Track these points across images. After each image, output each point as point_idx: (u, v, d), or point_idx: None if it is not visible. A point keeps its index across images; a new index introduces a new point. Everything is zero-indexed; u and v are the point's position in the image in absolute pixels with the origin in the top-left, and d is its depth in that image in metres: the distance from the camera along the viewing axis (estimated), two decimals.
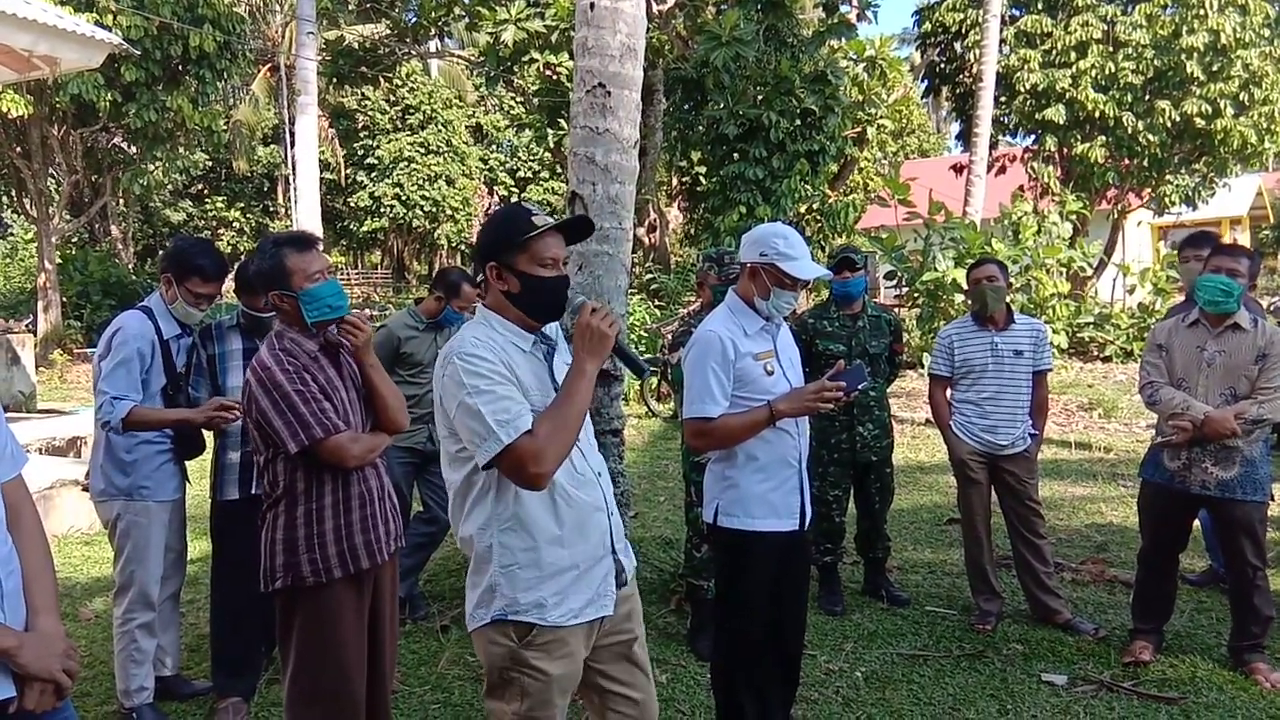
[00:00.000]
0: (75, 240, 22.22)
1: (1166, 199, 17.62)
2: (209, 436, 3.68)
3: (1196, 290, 3.79)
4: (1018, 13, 17.72)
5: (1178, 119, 15.90)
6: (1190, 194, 17.58)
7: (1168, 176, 17.27)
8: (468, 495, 2.21)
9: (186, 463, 3.70)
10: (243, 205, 31.78)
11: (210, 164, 28.89)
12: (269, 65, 26.91)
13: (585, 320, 2.16)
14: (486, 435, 2.06)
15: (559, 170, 28.15)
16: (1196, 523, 4.23)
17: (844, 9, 14.69)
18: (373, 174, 31.00)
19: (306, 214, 14.18)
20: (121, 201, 22.58)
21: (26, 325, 14.49)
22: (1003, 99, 17.16)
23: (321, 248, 2.77)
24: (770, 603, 2.99)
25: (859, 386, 2.95)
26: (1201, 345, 3.76)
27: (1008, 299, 4.47)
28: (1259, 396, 3.62)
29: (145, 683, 3.49)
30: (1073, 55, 16.37)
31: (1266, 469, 3.74)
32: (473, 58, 19.60)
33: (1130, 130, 16.09)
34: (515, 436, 2.05)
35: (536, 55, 15.13)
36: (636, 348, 11.94)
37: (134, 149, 17.30)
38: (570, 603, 2.19)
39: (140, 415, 3.35)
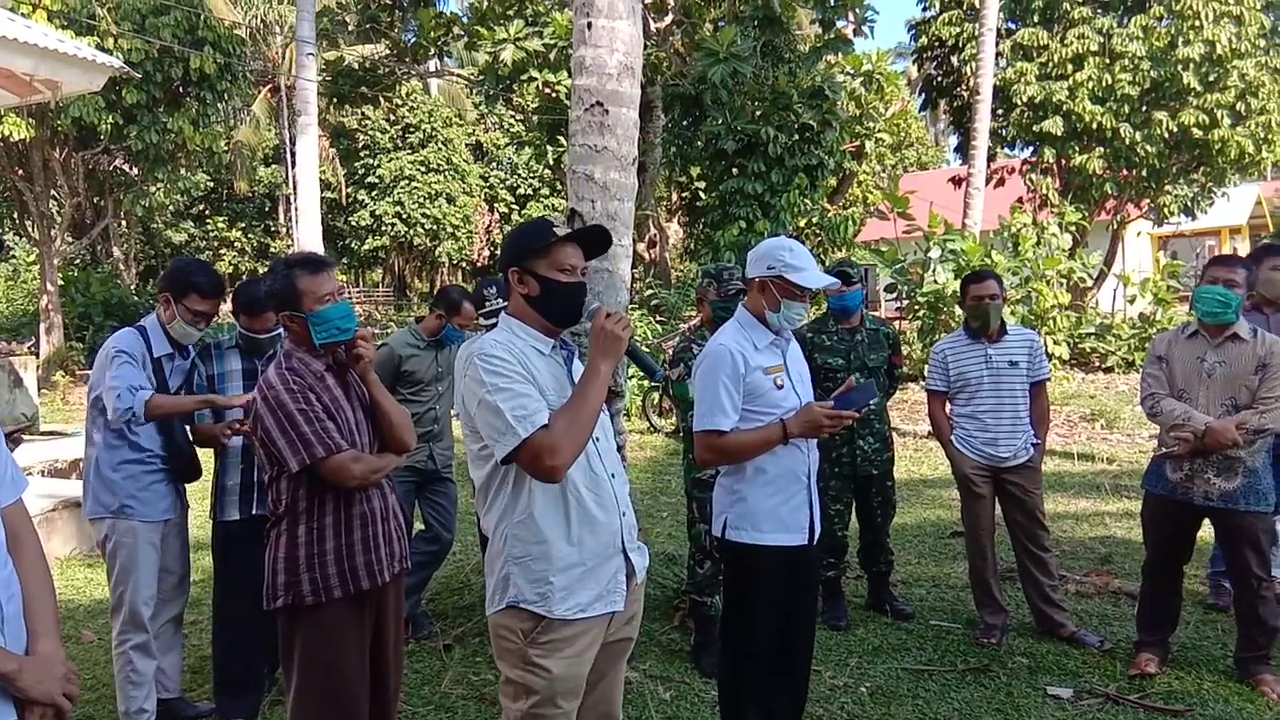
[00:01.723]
0: (77, 262, 22.28)
1: (1165, 209, 17.65)
2: (209, 458, 3.69)
3: (1195, 302, 3.80)
4: (1014, 26, 17.80)
5: (1175, 129, 15.94)
6: (1189, 204, 17.60)
7: (1166, 187, 17.30)
8: (488, 490, 2.34)
9: (187, 485, 3.69)
10: (244, 225, 31.92)
11: (211, 185, 29.00)
12: (269, 86, 27.10)
13: (600, 324, 2.30)
14: (505, 430, 2.18)
15: (559, 187, 28.25)
16: (1206, 534, 4.21)
17: (840, 24, 14.78)
18: (373, 193, 31.15)
19: (308, 233, 14.19)
20: (123, 223, 22.67)
21: (29, 347, 14.50)
22: (1000, 111, 17.21)
23: (334, 271, 2.78)
24: (779, 617, 2.99)
25: (870, 403, 2.96)
26: (1201, 356, 3.77)
27: (1004, 311, 4.48)
28: (1260, 406, 3.62)
29: (145, 705, 3.47)
30: (1069, 67, 16.43)
31: (1269, 479, 3.73)
32: (472, 76, 19.70)
33: (1128, 141, 16.12)
34: (532, 431, 2.17)
35: (535, 74, 15.22)
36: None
37: (135, 170, 17.40)
38: (577, 597, 2.28)
39: (159, 401, 3.37)
